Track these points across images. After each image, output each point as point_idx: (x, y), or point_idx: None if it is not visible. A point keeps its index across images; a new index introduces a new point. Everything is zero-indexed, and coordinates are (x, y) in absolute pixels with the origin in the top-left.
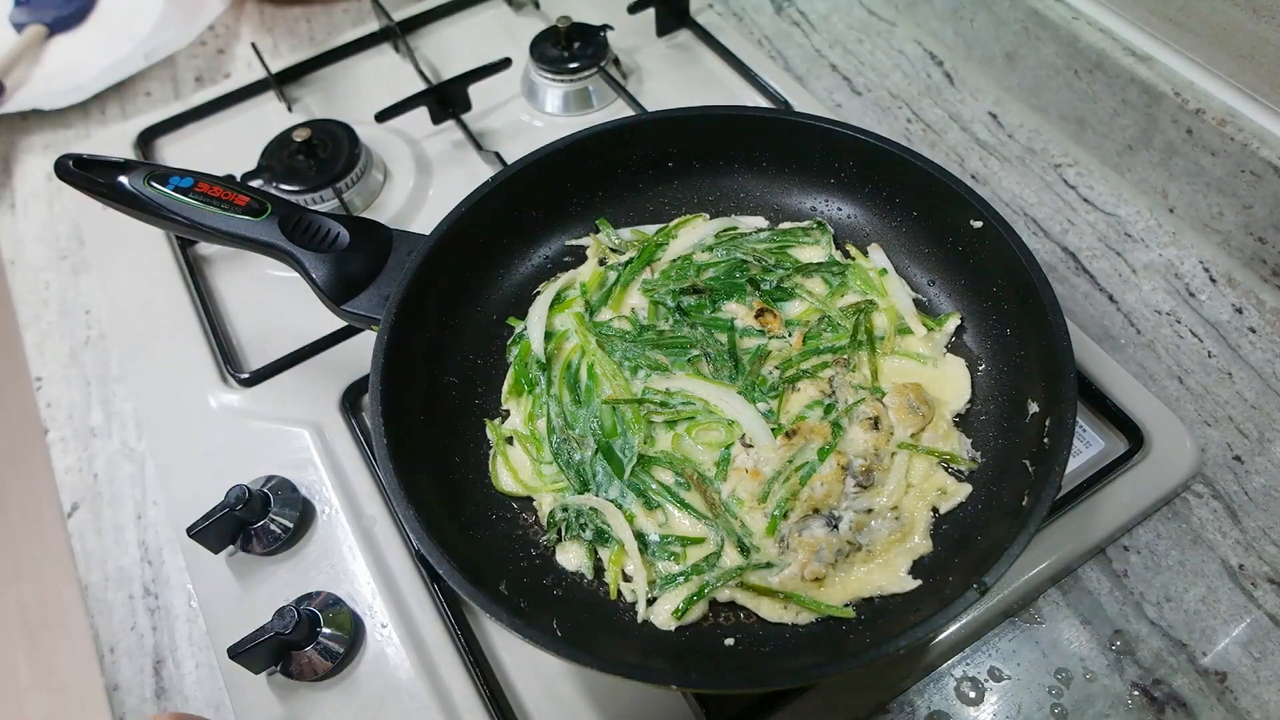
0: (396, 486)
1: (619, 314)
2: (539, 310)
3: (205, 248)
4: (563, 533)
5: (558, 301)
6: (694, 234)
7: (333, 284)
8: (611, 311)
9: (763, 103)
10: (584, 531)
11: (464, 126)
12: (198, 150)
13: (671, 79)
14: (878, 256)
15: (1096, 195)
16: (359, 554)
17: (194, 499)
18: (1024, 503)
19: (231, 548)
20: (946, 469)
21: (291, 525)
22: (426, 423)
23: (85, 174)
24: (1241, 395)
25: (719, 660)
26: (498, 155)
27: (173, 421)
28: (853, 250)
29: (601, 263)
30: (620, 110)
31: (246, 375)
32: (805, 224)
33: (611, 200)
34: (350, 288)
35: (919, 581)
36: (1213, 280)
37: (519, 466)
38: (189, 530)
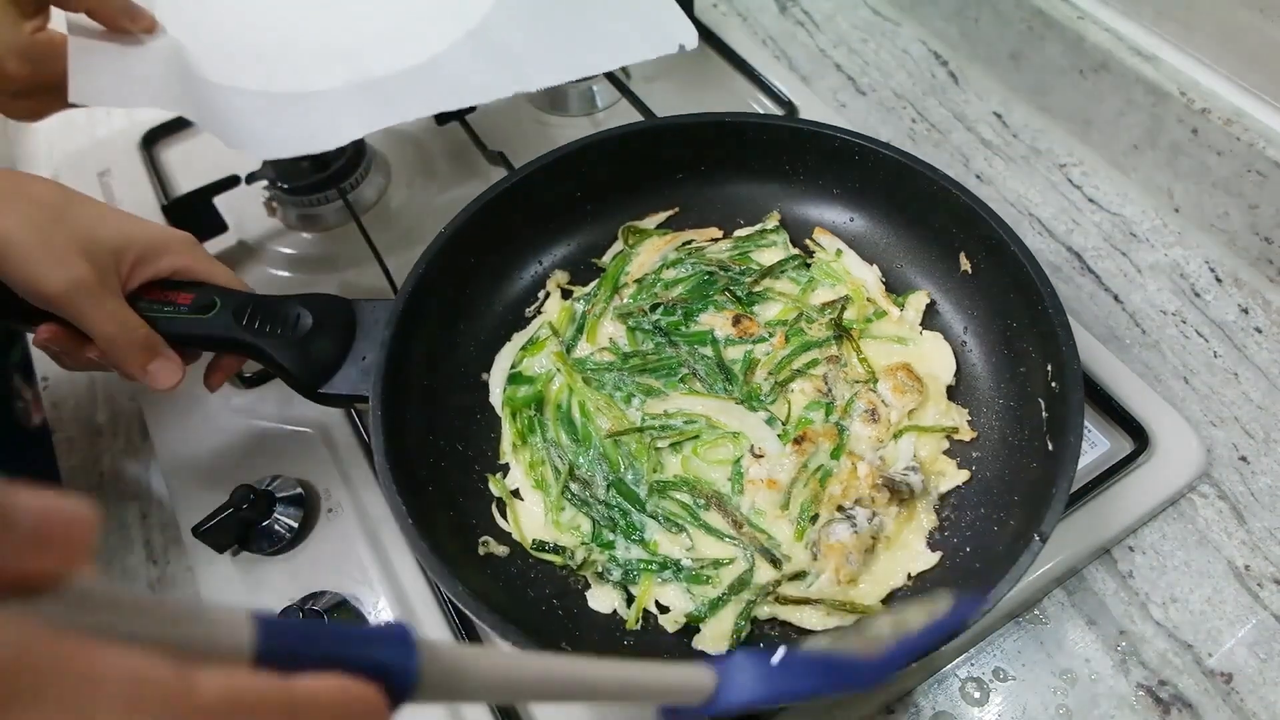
0: (441, 570)
1: (597, 346)
2: (501, 364)
3: (209, 248)
4: (590, 578)
5: (531, 344)
6: (655, 252)
7: (304, 370)
8: (589, 345)
9: (766, 102)
10: (610, 574)
11: (468, 127)
12: (202, 151)
13: (675, 79)
14: (827, 240)
15: (1102, 195)
16: (364, 554)
17: (199, 499)
18: (1050, 448)
19: (237, 547)
20: (950, 440)
21: (296, 525)
22: (436, 492)
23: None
24: (1248, 395)
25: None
26: (502, 155)
27: (178, 421)
28: (811, 244)
29: (565, 295)
30: (625, 110)
31: (251, 375)
32: (759, 227)
33: (567, 235)
34: (322, 370)
35: (939, 554)
36: (1219, 280)
37: (534, 517)
38: (194, 530)
